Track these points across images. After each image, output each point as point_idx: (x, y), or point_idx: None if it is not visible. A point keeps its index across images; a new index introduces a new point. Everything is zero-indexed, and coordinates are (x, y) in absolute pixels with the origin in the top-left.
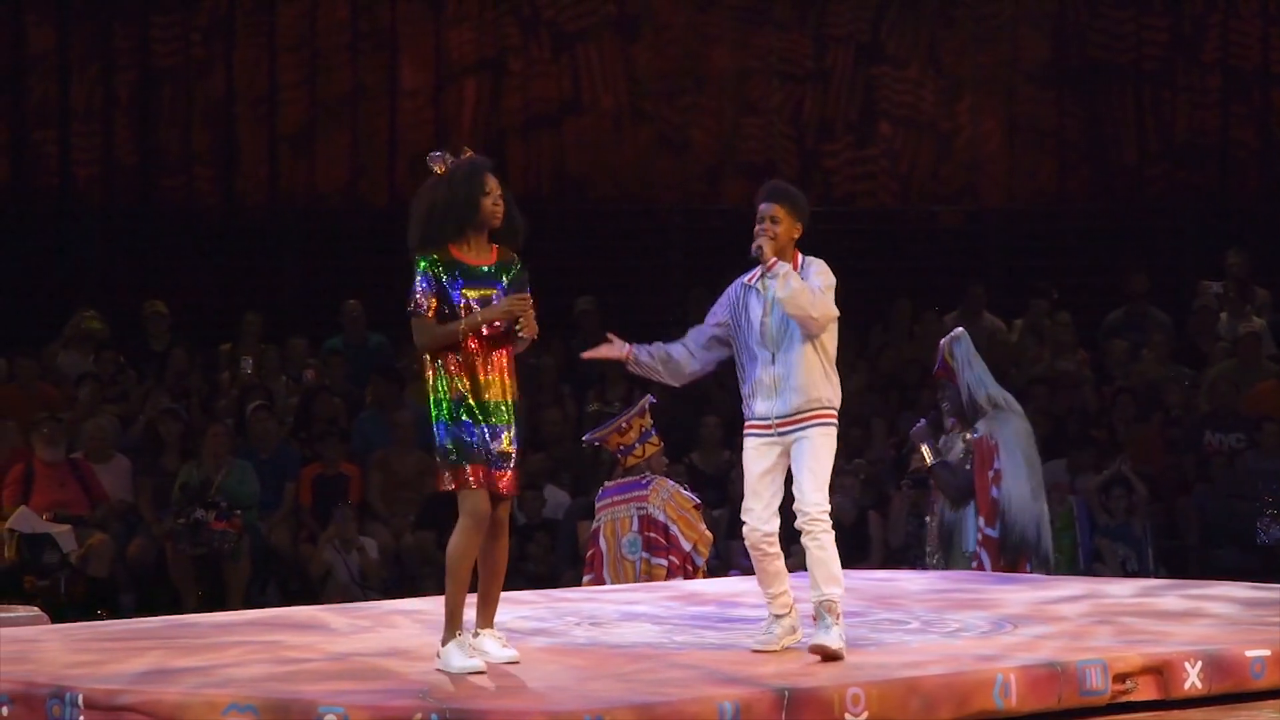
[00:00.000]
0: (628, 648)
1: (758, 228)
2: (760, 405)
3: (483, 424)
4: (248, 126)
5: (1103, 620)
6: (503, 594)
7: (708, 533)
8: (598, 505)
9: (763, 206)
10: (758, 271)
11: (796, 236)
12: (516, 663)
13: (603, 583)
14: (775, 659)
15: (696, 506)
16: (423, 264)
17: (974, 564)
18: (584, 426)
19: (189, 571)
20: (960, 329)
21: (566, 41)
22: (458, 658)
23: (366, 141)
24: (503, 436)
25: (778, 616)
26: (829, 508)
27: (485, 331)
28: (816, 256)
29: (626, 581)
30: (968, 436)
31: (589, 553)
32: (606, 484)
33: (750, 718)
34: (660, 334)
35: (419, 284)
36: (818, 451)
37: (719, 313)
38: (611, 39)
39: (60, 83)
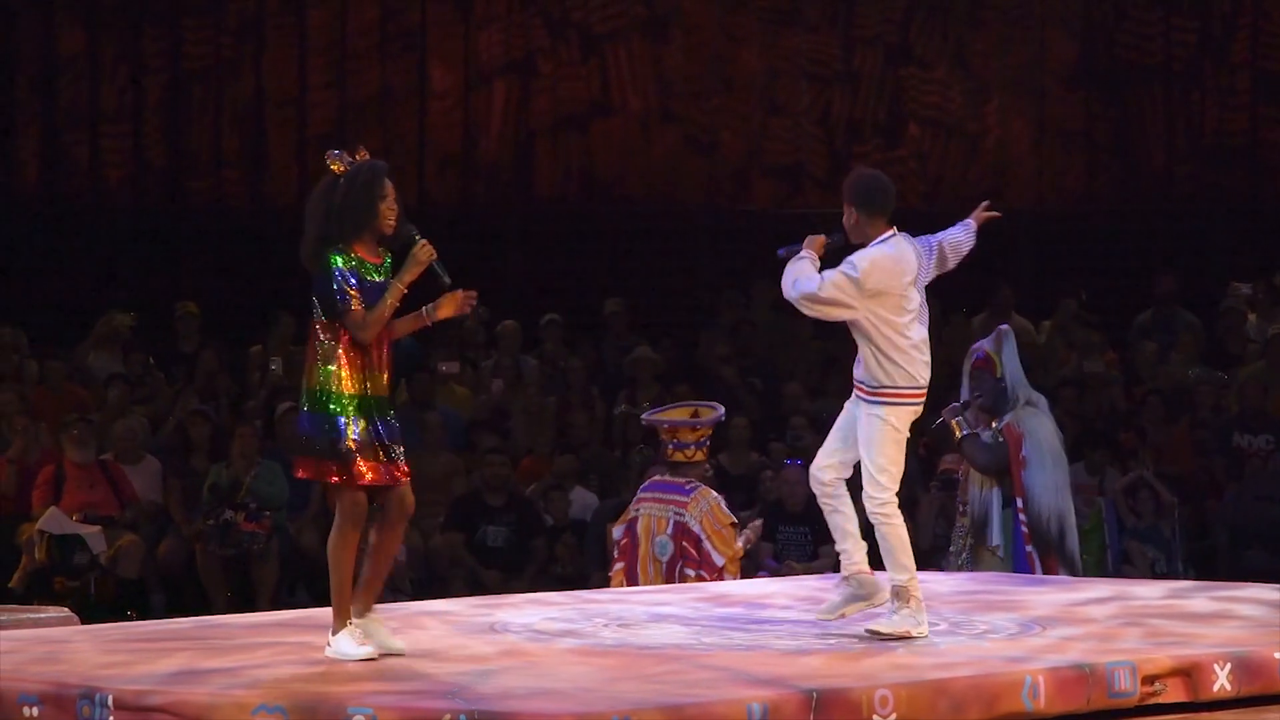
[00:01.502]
0: (656, 649)
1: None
2: None
3: (381, 419)
4: (277, 128)
5: (1131, 622)
6: (532, 594)
7: (740, 549)
8: (639, 495)
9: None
10: None
11: (854, 223)
12: (403, 654)
13: (633, 572)
14: (805, 660)
15: (733, 524)
16: (336, 260)
17: (1013, 550)
18: (612, 428)
19: (218, 572)
20: (1007, 326)
21: (595, 43)
22: (349, 645)
23: (395, 143)
24: (397, 428)
25: (844, 578)
26: (886, 497)
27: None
28: (843, 255)
29: (652, 581)
30: (994, 425)
31: (623, 539)
32: (655, 477)
33: (778, 719)
34: (690, 336)
35: (339, 280)
36: (869, 440)
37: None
38: (640, 40)
39: (90, 85)
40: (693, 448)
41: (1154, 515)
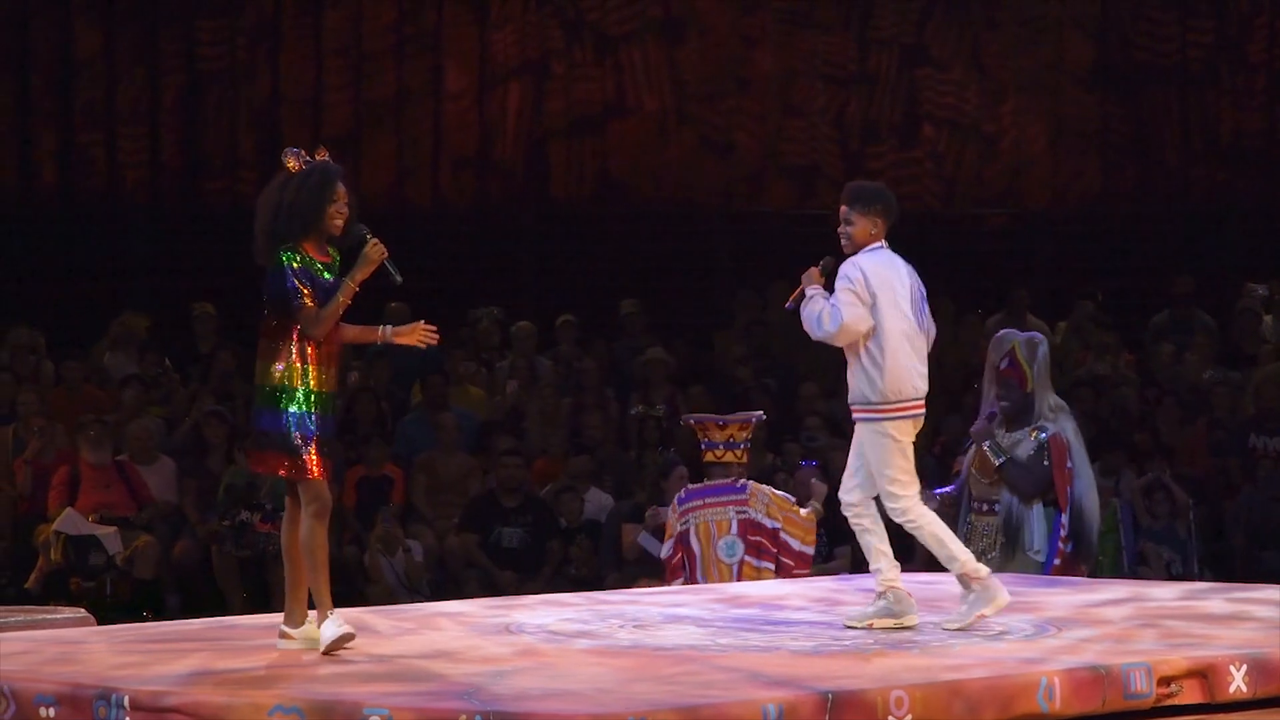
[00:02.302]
0: (671, 650)
1: (839, 231)
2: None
3: (325, 415)
4: (293, 129)
5: (1147, 623)
6: (547, 595)
7: (809, 519)
8: (680, 508)
9: (841, 210)
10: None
11: (876, 233)
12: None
13: (695, 583)
14: (821, 661)
15: (794, 503)
16: (286, 256)
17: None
18: (626, 430)
19: (234, 573)
20: (1041, 335)
21: (610, 44)
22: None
23: (411, 144)
24: (332, 426)
25: (878, 595)
26: (904, 505)
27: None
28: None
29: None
30: (1037, 435)
31: (675, 556)
32: (690, 486)
33: None
34: (705, 337)
35: (290, 277)
36: (878, 460)
37: None
38: (655, 42)
39: (107, 86)
40: (723, 448)
41: (1169, 516)
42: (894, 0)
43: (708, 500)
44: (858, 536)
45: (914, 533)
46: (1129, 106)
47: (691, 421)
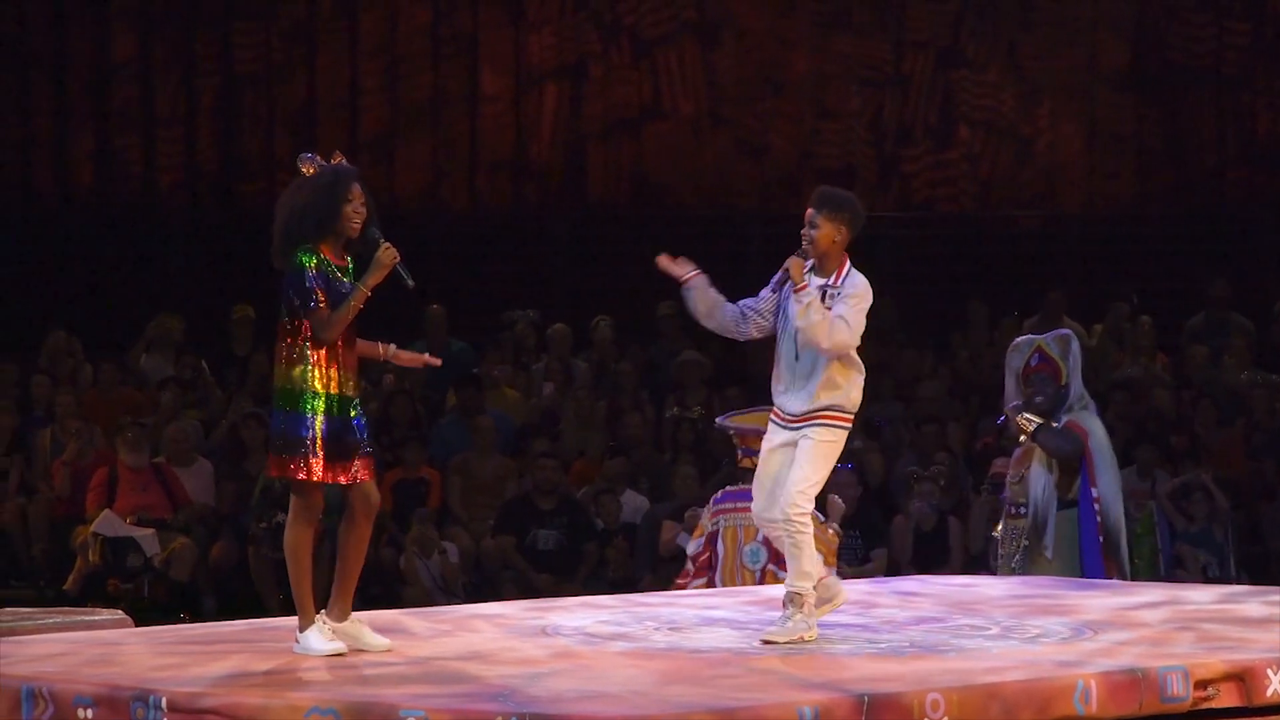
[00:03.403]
0: (707, 652)
1: (802, 233)
2: (780, 398)
3: (343, 417)
4: (328, 132)
5: (1184, 626)
6: (583, 597)
7: (833, 540)
8: (714, 508)
9: (808, 212)
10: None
11: (840, 240)
12: (389, 650)
13: (716, 585)
14: (856, 663)
15: (823, 521)
16: (303, 259)
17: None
18: (662, 431)
19: (270, 575)
20: (1069, 331)
21: (646, 47)
22: (318, 641)
23: (447, 147)
24: (363, 426)
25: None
26: (809, 509)
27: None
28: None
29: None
30: (1054, 423)
31: (702, 555)
32: (727, 488)
33: None
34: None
35: (307, 280)
36: (816, 459)
37: (767, 295)
38: (691, 44)
39: (143, 89)
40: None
41: (1206, 519)
42: (929, 2)
43: (738, 504)
44: (796, 546)
45: (792, 538)
46: (1164, 108)
47: (731, 432)
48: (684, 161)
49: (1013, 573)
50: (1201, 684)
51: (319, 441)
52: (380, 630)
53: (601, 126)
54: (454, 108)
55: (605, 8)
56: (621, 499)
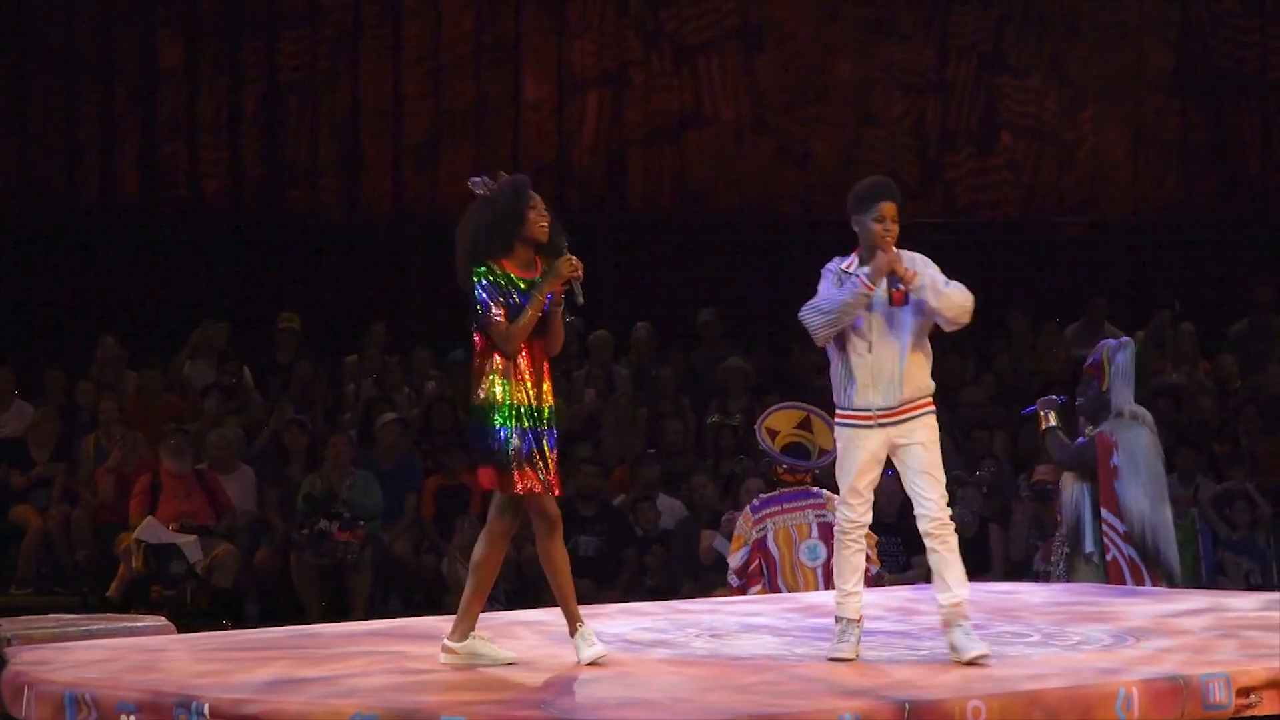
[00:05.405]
0: (748, 659)
1: (887, 226)
2: (859, 396)
3: (539, 429)
4: (372, 139)
5: (1226, 634)
6: (624, 604)
7: (872, 538)
8: (755, 515)
9: (894, 208)
10: (854, 259)
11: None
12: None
13: (776, 590)
14: (897, 670)
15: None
16: (480, 273)
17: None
18: (704, 438)
19: (313, 582)
20: (1129, 339)
21: (688, 53)
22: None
23: (489, 154)
24: (555, 440)
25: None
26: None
27: (547, 304)
28: (938, 265)
29: (805, 589)
30: (1089, 431)
31: (753, 563)
32: (763, 495)
33: None
34: (781, 345)
35: (482, 294)
36: (933, 454)
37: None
38: (733, 51)
39: (189, 97)
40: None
41: (1249, 526)
42: (973, 8)
43: (785, 506)
44: (952, 552)
45: (945, 543)
46: (1209, 114)
47: (809, 469)
48: (725, 168)
49: (1058, 580)
50: (1244, 691)
51: (516, 454)
52: (423, 636)
53: (643, 133)
54: (497, 114)
55: (647, 14)
56: (661, 506)
